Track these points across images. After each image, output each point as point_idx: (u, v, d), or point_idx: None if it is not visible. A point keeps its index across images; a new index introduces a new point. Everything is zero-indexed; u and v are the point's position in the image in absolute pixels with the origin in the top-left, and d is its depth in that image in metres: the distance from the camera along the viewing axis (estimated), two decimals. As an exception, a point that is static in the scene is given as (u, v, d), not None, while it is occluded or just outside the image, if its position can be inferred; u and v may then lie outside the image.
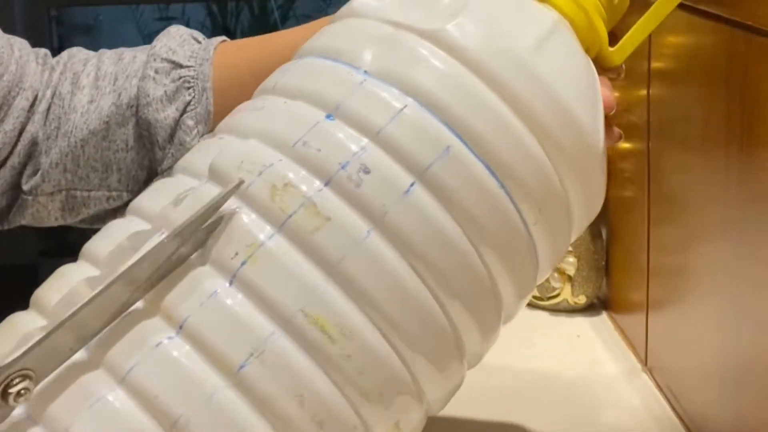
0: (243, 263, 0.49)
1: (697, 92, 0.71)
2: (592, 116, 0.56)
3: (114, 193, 0.70)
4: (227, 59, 0.69)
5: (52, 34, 3.16)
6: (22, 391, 0.46)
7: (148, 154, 0.69)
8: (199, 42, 0.71)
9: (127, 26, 3.36)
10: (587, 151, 0.55)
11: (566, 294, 0.96)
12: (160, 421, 0.46)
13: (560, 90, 0.53)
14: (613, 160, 0.91)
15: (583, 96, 0.55)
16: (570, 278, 0.95)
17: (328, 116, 0.51)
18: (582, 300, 0.95)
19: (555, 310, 0.97)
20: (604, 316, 0.96)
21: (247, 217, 0.50)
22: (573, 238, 0.59)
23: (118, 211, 0.70)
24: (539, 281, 0.58)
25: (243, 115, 0.56)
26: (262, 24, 3.30)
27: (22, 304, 0.54)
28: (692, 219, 0.73)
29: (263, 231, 0.49)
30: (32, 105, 0.70)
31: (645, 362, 0.85)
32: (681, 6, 0.72)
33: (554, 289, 0.96)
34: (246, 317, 0.48)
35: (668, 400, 0.80)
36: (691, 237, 0.74)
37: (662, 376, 0.82)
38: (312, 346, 0.48)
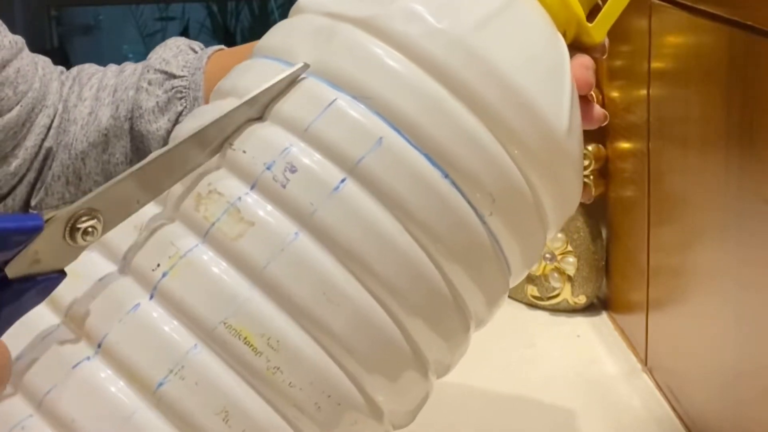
0: (164, 275, 0.46)
1: (697, 92, 0.71)
2: (553, 96, 0.52)
3: None
4: (220, 66, 0.69)
5: (52, 34, 3.16)
6: (90, 229, 0.45)
7: None
8: (195, 51, 0.71)
9: (127, 26, 3.36)
10: (548, 134, 0.51)
11: (566, 294, 0.96)
12: None
13: (507, 69, 0.50)
14: (613, 160, 0.92)
15: (540, 75, 0.51)
16: (570, 278, 0.95)
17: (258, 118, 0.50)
18: (582, 300, 0.96)
19: (555, 310, 0.97)
20: (604, 316, 0.96)
21: (171, 228, 0.48)
22: (551, 232, 0.55)
23: None
24: (513, 282, 0.54)
25: (184, 122, 0.55)
26: (262, 24, 3.30)
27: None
28: (692, 219, 0.73)
29: (186, 241, 0.47)
30: (52, 121, 0.70)
31: (645, 362, 0.85)
32: (681, 6, 0.72)
33: (554, 289, 0.96)
34: (165, 332, 0.45)
35: (668, 400, 0.80)
36: (691, 237, 0.74)
37: (662, 376, 0.82)
38: (236, 359, 0.45)
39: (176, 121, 0.68)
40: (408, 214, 0.48)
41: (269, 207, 0.47)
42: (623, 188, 0.90)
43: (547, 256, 0.96)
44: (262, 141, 0.48)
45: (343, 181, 0.47)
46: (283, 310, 0.46)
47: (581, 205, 0.94)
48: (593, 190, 0.92)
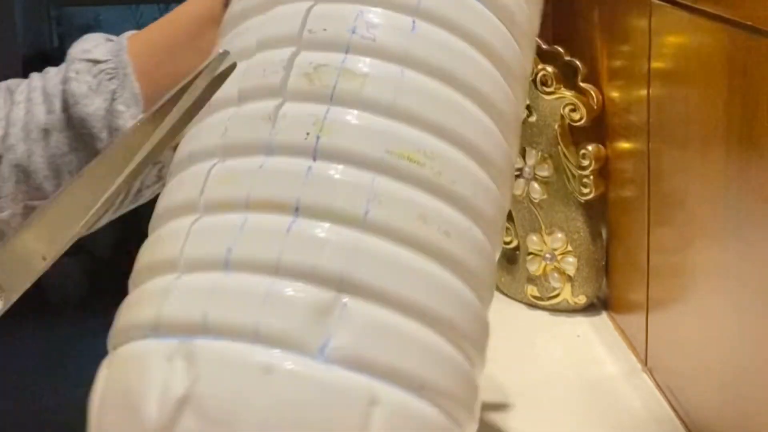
0: (317, 138, 0.53)
1: (697, 92, 0.71)
2: None
3: None
4: (140, 45, 0.73)
5: (52, 34, 3.16)
6: None
7: (92, 150, 0.71)
8: (111, 40, 0.74)
9: (127, 26, 3.35)
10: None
11: (566, 294, 0.96)
12: None
13: None
14: (613, 160, 0.92)
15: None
16: (570, 278, 0.95)
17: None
18: (582, 300, 0.95)
19: (555, 310, 0.97)
20: (604, 316, 0.96)
21: (295, 107, 0.54)
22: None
23: None
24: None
25: (238, 38, 0.60)
26: (262, 24, 3.30)
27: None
28: (692, 219, 0.73)
29: (318, 108, 0.54)
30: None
31: (645, 362, 0.85)
32: (681, 6, 0.72)
33: (554, 289, 0.96)
34: (345, 180, 0.52)
35: (668, 400, 0.80)
36: (691, 237, 0.74)
37: (662, 376, 0.82)
38: (409, 175, 0.53)
39: (112, 99, 0.71)
40: (480, 42, 0.58)
41: (372, 59, 0.55)
42: (623, 188, 0.90)
43: (547, 256, 0.96)
44: (337, 14, 0.56)
45: (413, 22, 0.56)
46: (422, 129, 0.54)
47: (581, 205, 0.94)
48: (593, 190, 0.92)
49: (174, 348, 0.49)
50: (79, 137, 0.71)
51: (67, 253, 0.56)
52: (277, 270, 0.50)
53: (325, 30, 0.56)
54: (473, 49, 0.57)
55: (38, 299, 1.77)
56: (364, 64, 0.55)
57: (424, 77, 0.56)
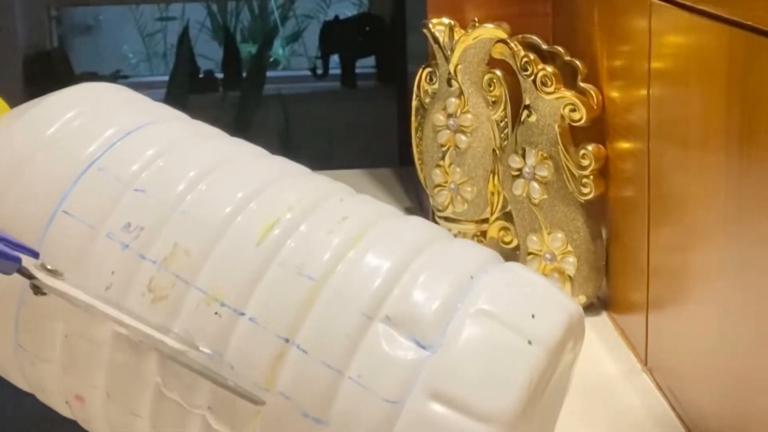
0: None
1: (697, 92, 0.71)
2: None
3: None
4: None
5: (52, 34, 3.16)
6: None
7: None
8: None
9: (127, 26, 3.36)
10: None
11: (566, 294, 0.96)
12: None
13: None
14: (613, 160, 0.92)
15: None
16: (570, 278, 0.95)
17: None
18: (582, 300, 0.95)
19: (555, 310, 0.97)
20: (604, 316, 0.96)
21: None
22: None
23: None
24: None
25: None
26: (262, 24, 3.30)
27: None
28: (692, 219, 0.73)
29: None
30: None
31: (645, 362, 0.85)
32: (681, 6, 0.72)
33: (554, 289, 0.96)
34: None
35: (668, 400, 0.80)
36: (691, 237, 0.74)
37: (662, 376, 0.82)
38: None
39: None
40: None
41: None
42: (623, 188, 0.90)
43: (547, 256, 0.96)
44: None
45: None
46: None
47: (581, 205, 0.94)
48: (593, 190, 0.92)
49: None
50: None
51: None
52: None
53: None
54: None
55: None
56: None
57: None
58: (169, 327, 0.54)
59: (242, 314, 0.53)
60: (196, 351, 0.52)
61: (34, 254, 0.50)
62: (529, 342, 0.53)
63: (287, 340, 0.52)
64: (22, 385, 0.64)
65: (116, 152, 0.59)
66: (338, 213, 0.58)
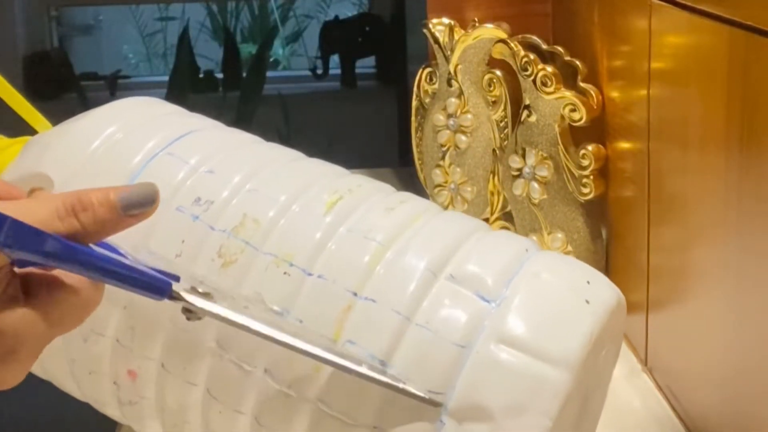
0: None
1: (696, 92, 0.71)
2: None
3: None
4: None
5: (52, 34, 3.16)
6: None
7: None
8: None
9: (127, 26, 3.36)
10: None
11: (566, 294, 0.96)
12: None
13: None
14: (613, 160, 0.92)
15: None
16: (570, 278, 0.95)
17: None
18: (582, 300, 0.95)
19: (555, 310, 0.97)
20: (604, 316, 0.96)
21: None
22: None
23: None
24: None
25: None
26: (262, 24, 3.30)
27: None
28: (692, 219, 0.73)
29: None
30: None
31: (645, 362, 0.85)
32: (681, 6, 0.72)
33: (554, 289, 0.96)
34: None
35: (668, 400, 0.80)
36: (691, 237, 0.74)
37: (662, 376, 0.82)
38: None
39: None
40: None
41: None
42: (623, 188, 0.90)
43: (547, 256, 0.96)
44: None
45: None
46: None
47: (581, 205, 0.94)
48: (593, 190, 0.92)
49: None
50: None
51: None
52: None
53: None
54: None
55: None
56: None
57: None
58: (239, 288, 0.56)
59: (310, 274, 0.56)
60: (357, 363, 0.53)
61: (175, 278, 0.49)
62: (587, 301, 0.55)
63: (355, 294, 0.55)
64: (65, 372, 0.63)
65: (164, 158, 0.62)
66: (395, 198, 0.61)
